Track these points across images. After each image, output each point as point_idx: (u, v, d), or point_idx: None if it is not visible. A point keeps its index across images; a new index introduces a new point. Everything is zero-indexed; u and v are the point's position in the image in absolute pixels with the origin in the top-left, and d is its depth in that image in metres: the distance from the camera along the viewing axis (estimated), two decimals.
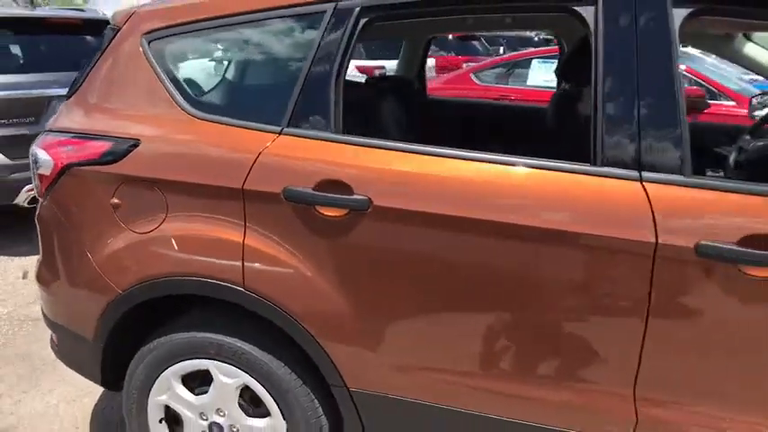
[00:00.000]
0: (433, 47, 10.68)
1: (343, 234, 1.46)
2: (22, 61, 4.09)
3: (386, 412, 1.57)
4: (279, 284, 1.52)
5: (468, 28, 2.76)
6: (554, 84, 5.68)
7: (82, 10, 4.98)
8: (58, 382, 2.53)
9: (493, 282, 1.40)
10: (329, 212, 1.45)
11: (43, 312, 1.93)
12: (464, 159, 1.42)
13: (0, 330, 3.00)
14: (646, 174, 1.30)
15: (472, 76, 6.12)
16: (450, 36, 10.60)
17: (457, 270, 1.42)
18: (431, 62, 9.09)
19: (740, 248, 1.22)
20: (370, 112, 2.19)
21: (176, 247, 1.58)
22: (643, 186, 1.29)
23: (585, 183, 1.33)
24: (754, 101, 3.12)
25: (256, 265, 1.52)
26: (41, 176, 1.75)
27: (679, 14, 1.32)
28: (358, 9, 1.50)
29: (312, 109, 1.51)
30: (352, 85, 2.66)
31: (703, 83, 5.05)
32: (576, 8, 1.37)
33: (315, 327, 1.52)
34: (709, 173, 2.42)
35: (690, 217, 1.26)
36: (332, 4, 1.52)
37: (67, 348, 1.87)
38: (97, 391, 2.44)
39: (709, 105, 4.91)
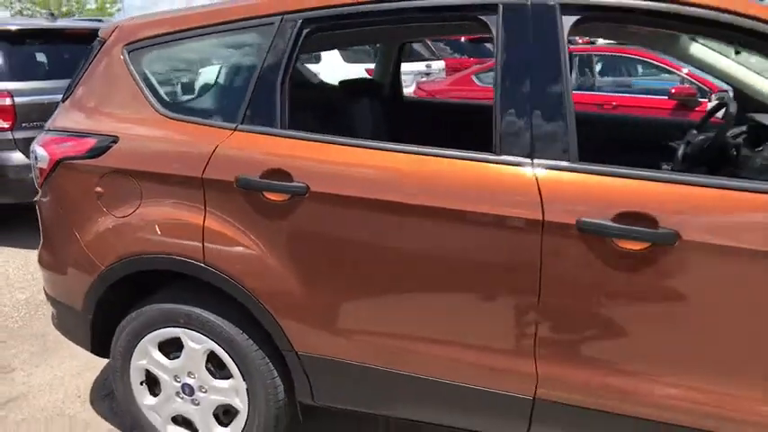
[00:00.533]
0: (448, 49, 10.90)
1: (286, 216, 1.68)
2: (43, 69, 4.45)
3: (330, 373, 1.79)
4: (233, 261, 1.75)
5: (402, 37, 2.97)
6: None
7: (100, 20, 5.33)
8: (66, 358, 2.81)
9: (415, 256, 1.60)
10: (273, 197, 1.68)
11: (45, 290, 2.21)
12: (391, 151, 1.64)
13: (18, 314, 3.32)
14: (537, 161, 1.49)
15: (473, 78, 6.29)
16: (463, 39, 10.76)
17: (386, 247, 1.63)
18: (441, 64, 9.26)
19: (614, 224, 1.41)
20: (338, 112, 2.41)
21: (149, 229, 1.83)
22: (534, 171, 1.49)
23: (488, 169, 1.53)
24: (713, 97, 3.23)
25: (214, 243, 1.75)
26: (40, 170, 2.02)
27: (568, 21, 1.51)
28: (301, 21, 1.73)
29: (262, 108, 1.75)
30: (325, 87, 2.90)
31: (696, 82, 5.12)
32: (481, 17, 1.58)
33: (265, 298, 1.75)
34: (664, 166, 2.58)
35: (572, 197, 1.45)
36: (279, 17, 1.76)
37: (63, 320, 2.14)
38: (99, 366, 2.72)
39: (700, 103, 4.99)
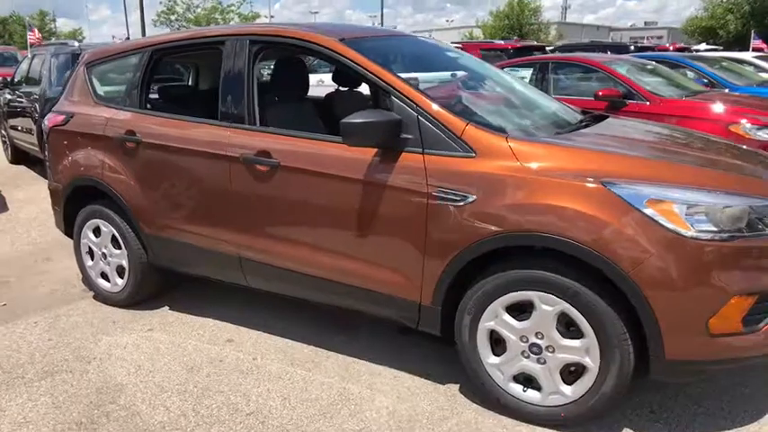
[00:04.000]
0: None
1: (135, 156, 3.16)
2: None
3: (160, 245, 3.21)
4: (114, 180, 3.25)
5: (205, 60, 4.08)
6: None
7: None
8: None
9: (188, 177, 2.98)
10: (129, 145, 3.16)
11: (51, 205, 3.88)
12: (185, 120, 3.04)
13: None
14: (233, 125, 2.80)
15: None
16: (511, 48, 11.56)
17: (177, 173, 3.03)
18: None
19: (254, 156, 2.68)
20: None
21: (82, 163, 3.40)
22: (231, 129, 2.80)
23: (215, 129, 2.87)
24: None
25: (106, 171, 3.27)
26: (45, 133, 3.70)
27: (253, 48, 2.80)
28: (152, 49, 3.21)
29: (131, 96, 3.25)
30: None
31: (624, 83, 5.77)
32: (220, 47, 2.92)
33: (128, 201, 3.22)
34: None
35: (240, 143, 2.74)
36: (143, 49, 3.25)
37: (56, 219, 3.80)
38: None
39: (626, 104, 5.66)
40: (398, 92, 2.39)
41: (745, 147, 2.76)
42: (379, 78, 2.45)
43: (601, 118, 2.92)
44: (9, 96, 8.40)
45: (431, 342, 2.62)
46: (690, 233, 1.95)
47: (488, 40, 18.56)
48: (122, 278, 3.47)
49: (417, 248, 2.33)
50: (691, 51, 14.81)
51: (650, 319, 1.98)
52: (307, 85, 3.27)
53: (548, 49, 13.08)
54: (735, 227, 1.99)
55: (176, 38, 3.21)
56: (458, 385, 2.56)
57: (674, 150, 2.47)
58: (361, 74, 2.52)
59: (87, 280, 3.68)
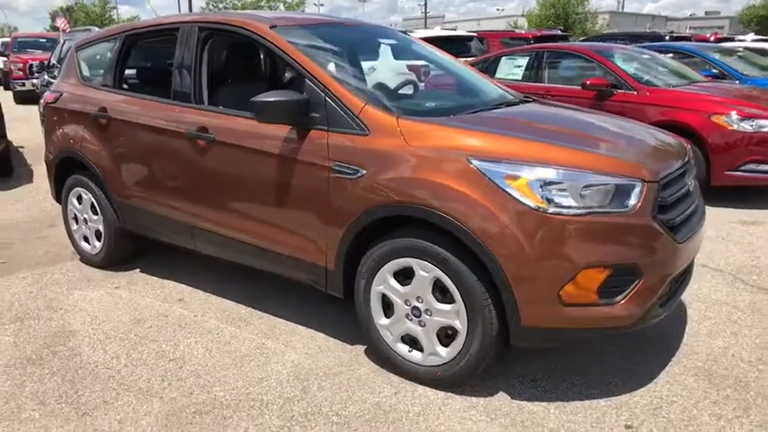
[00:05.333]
0: None
1: (106, 130, 3.50)
2: None
3: (128, 211, 3.56)
4: (89, 150, 3.62)
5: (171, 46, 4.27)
6: (513, 76, 6.82)
7: None
8: None
9: (151, 149, 3.30)
10: (101, 121, 3.51)
11: (47, 174, 4.30)
12: (147, 99, 3.35)
13: None
14: (181, 103, 3.09)
15: None
16: (531, 37, 11.48)
17: (145, 144, 3.35)
18: None
19: (195, 132, 2.96)
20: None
21: (68, 136, 3.78)
22: (180, 107, 3.09)
23: (169, 107, 3.17)
24: None
25: (84, 143, 3.64)
26: (43, 109, 4.11)
27: (201, 34, 3.08)
28: (124, 35, 3.54)
29: (107, 78, 3.59)
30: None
31: (613, 73, 5.76)
32: (175, 33, 3.21)
33: (101, 170, 3.58)
34: None
35: (186, 121, 3.03)
36: (118, 35, 3.58)
37: (50, 186, 4.21)
38: None
39: (614, 93, 5.66)
40: (310, 74, 2.61)
41: (656, 133, 2.83)
42: (295, 62, 2.68)
43: (524, 102, 3.06)
44: (47, 77, 9.07)
45: (352, 307, 2.85)
46: (543, 207, 2.10)
47: (509, 29, 18.39)
48: (100, 241, 3.85)
49: (323, 217, 2.57)
50: (734, 41, 14.24)
51: (506, 287, 2.15)
52: (260, 69, 3.53)
53: (576, 40, 12.87)
54: (592, 203, 2.13)
55: (145, 25, 3.55)
56: (365, 346, 2.78)
57: (558, 132, 2.56)
58: (280, 57, 2.77)
59: (73, 243, 4.08)
